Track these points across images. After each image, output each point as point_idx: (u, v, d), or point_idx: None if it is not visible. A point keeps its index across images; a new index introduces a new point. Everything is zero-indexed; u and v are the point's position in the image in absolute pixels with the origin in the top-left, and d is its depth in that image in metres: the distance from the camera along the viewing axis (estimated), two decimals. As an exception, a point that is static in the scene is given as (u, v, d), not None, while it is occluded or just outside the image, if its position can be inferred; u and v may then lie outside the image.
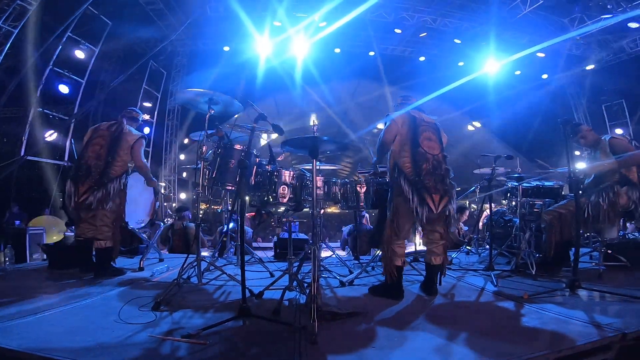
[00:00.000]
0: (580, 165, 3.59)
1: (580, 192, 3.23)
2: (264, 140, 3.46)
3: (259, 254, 4.39)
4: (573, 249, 2.98)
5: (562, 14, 8.41)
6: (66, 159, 6.86)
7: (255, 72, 8.98)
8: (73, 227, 3.87)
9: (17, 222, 5.93)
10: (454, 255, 4.42)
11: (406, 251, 2.91)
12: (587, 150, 3.58)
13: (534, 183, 3.87)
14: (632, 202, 3.14)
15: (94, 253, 3.36)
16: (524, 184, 3.76)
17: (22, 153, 6.24)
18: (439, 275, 2.90)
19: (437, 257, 2.83)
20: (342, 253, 5.52)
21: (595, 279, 3.08)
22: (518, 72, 10.19)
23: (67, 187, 3.35)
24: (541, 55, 9.42)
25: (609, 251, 3.46)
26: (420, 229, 2.87)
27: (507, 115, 10.32)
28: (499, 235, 4.38)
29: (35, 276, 3.38)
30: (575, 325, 2.05)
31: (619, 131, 9.31)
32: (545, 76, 10.56)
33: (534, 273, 3.24)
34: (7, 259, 3.75)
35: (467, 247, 4.95)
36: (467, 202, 8.50)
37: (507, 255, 4.08)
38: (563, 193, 3.93)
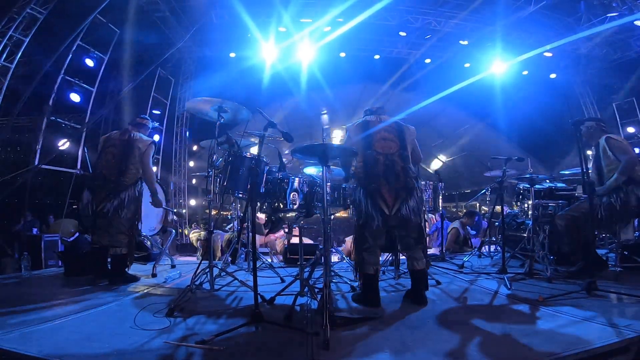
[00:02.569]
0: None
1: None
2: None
3: (268, 259, 4.40)
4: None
5: (567, 13, 8.34)
6: (78, 167, 6.97)
7: (261, 78, 9.04)
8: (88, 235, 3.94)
9: (35, 230, 6.05)
10: (465, 258, 4.38)
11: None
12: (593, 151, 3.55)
13: (547, 185, 3.83)
14: None
15: (109, 260, 3.42)
16: (536, 186, 3.72)
17: (36, 162, 6.35)
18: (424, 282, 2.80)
19: (419, 262, 2.72)
20: None
21: (611, 281, 3.02)
22: (525, 72, 10.10)
23: (84, 196, 3.42)
24: (548, 54, 9.33)
25: (625, 252, 3.41)
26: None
27: (515, 116, 10.22)
28: (511, 238, 4.34)
29: (52, 283, 3.45)
30: (592, 328, 2.03)
31: (630, 130, 9.18)
32: (553, 76, 10.45)
33: (548, 275, 3.20)
34: (23, 265, 3.82)
35: (479, 251, 4.90)
36: (478, 205, 8.41)
37: (520, 258, 4.04)
38: (576, 194, 3.88)
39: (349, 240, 6.39)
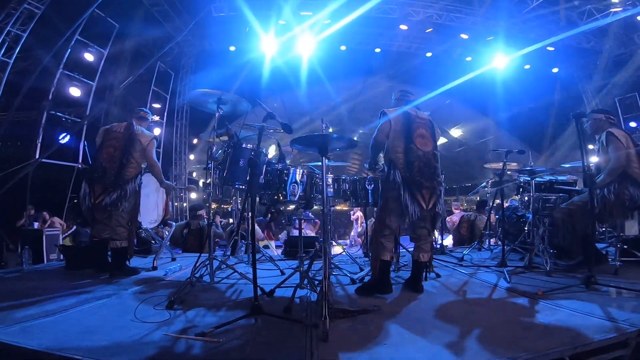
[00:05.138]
0: (594, 159, 3.53)
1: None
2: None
3: (269, 252, 4.41)
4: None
5: (570, 8, 8.27)
6: (79, 160, 6.98)
7: (261, 71, 9.01)
8: (87, 228, 3.94)
9: (35, 223, 6.06)
10: (465, 252, 4.39)
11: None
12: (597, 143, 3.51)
13: (547, 178, 3.81)
14: (635, 196, 3.09)
15: (109, 253, 3.42)
16: (537, 179, 3.70)
17: (37, 156, 6.35)
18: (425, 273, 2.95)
19: (425, 254, 2.87)
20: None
21: (611, 275, 3.01)
22: (527, 67, 10.04)
23: (82, 189, 3.42)
24: (551, 49, 9.26)
25: (625, 246, 3.39)
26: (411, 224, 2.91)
27: (517, 109, 10.18)
28: (511, 231, 4.33)
29: (53, 276, 3.45)
30: (591, 322, 2.02)
31: (633, 124, 9.16)
32: (555, 70, 10.38)
33: (548, 269, 3.20)
34: (24, 259, 3.84)
35: (479, 244, 4.89)
36: (478, 197, 8.39)
37: (520, 252, 4.04)
38: (577, 187, 3.87)
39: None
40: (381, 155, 2.99)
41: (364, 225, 6.12)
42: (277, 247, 5.36)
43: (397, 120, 2.84)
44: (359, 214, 7.13)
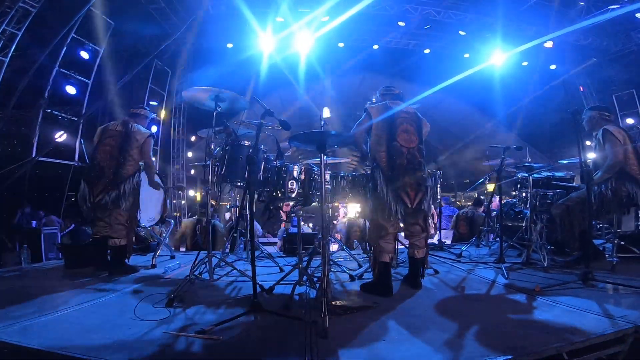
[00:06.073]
0: (591, 156, 3.55)
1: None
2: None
3: (268, 249, 4.42)
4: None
5: (569, 5, 8.28)
6: (76, 159, 6.95)
7: (259, 69, 8.97)
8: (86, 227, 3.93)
9: (34, 222, 6.05)
10: (463, 248, 4.40)
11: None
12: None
13: (545, 174, 3.82)
14: (633, 192, 3.11)
15: (108, 251, 3.42)
16: (534, 175, 3.71)
17: (34, 154, 6.32)
18: (422, 269, 2.95)
19: (420, 250, 2.86)
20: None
21: (608, 271, 3.03)
22: (525, 64, 10.04)
23: (81, 188, 3.41)
24: (548, 46, 9.27)
25: (622, 242, 3.41)
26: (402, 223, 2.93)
27: (515, 106, 10.19)
28: (509, 228, 4.35)
29: (52, 275, 3.45)
30: (588, 318, 2.04)
31: (630, 121, 9.19)
32: (553, 67, 10.39)
33: (545, 265, 3.21)
34: (23, 258, 3.83)
35: (477, 240, 4.91)
36: (476, 194, 8.42)
37: (518, 248, 4.06)
38: (574, 184, 3.88)
39: None
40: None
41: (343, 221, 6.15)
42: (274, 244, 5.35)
43: (379, 116, 2.80)
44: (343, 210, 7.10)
